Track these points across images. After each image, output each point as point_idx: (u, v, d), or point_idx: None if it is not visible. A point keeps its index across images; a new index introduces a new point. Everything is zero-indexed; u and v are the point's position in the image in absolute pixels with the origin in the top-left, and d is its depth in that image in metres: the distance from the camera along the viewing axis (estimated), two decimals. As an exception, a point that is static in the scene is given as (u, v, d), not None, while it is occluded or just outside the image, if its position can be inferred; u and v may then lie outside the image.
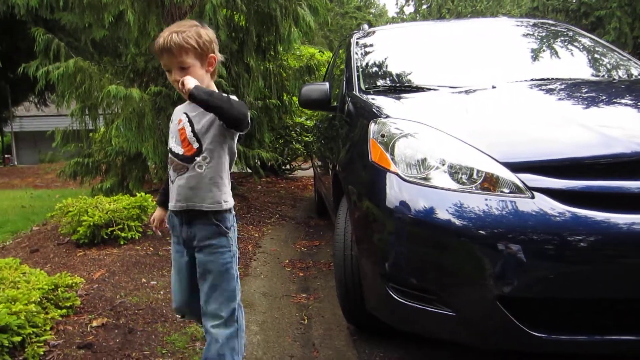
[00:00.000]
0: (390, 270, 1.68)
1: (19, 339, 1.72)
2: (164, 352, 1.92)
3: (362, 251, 1.90)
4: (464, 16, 29.51)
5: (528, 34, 3.16)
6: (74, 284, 2.23)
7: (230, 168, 1.50)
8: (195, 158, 1.42)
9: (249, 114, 1.35)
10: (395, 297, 1.65)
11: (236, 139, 1.48)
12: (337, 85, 3.35)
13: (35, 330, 1.83)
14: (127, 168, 5.11)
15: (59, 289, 2.14)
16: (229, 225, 1.47)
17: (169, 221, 1.56)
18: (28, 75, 4.87)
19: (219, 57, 1.50)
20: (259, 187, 6.49)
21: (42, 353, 1.79)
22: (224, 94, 1.36)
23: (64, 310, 2.08)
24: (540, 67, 2.68)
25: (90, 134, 5.23)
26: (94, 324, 2.08)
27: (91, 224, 3.07)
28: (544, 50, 2.94)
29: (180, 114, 1.50)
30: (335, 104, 3.01)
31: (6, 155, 19.99)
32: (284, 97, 6.16)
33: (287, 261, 3.44)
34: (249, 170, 5.80)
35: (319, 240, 4.07)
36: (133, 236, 3.20)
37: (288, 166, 8.27)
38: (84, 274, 2.63)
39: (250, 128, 6.05)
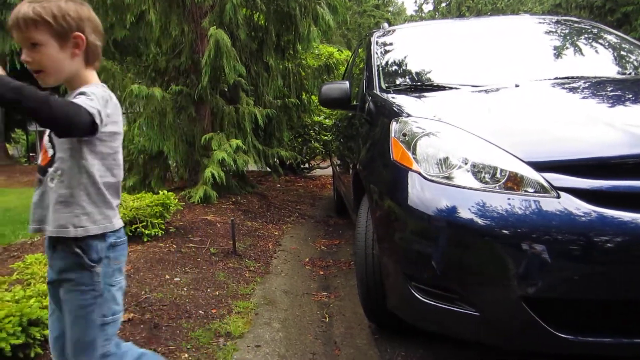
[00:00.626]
0: (412, 269, 1.69)
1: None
2: (188, 347, 1.95)
3: (383, 250, 1.90)
4: (484, 14, 29.15)
5: (551, 32, 3.11)
6: (100, 280, 2.28)
7: (115, 182, 1.19)
8: (48, 169, 1.14)
9: (82, 116, 1.02)
10: (418, 296, 1.65)
11: (102, 145, 1.14)
12: (357, 84, 3.35)
13: (64, 324, 1.87)
14: (149, 166, 5.20)
15: (86, 285, 2.19)
16: (95, 257, 1.14)
17: (45, 244, 1.25)
18: (53, 75, 4.98)
19: (92, 39, 1.16)
20: (278, 185, 6.53)
21: (71, 346, 1.84)
22: (41, 92, 0.97)
23: (91, 305, 2.13)
24: (565, 65, 2.64)
25: (113, 133, 5.31)
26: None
27: (115, 221, 3.13)
28: (567, 48, 2.90)
29: None
30: (355, 102, 3.01)
31: (31, 154, 20.47)
32: (303, 96, 6.20)
33: (307, 259, 3.46)
34: (268, 169, 5.85)
35: (339, 239, 4.08)
36: (156, 233, 3.25)
37: (307, 165, 8.31)
38: (109, 270, 2.68)
39: (270, 127, 6.10)
